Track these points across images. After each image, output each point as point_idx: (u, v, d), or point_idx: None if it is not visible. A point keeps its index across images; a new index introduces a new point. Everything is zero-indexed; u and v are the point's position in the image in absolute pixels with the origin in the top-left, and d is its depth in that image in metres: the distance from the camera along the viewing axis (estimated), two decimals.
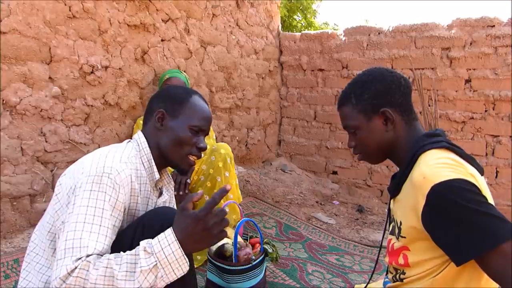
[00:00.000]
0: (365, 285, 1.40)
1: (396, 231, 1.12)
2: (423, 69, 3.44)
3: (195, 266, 1.84)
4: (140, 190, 1.17)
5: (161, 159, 1.24)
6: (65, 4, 2.20)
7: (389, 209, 1.25)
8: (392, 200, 1.20)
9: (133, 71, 2.61)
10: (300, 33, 4.17)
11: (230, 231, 1.44)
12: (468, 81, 3.33)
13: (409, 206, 1.03)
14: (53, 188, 2.21)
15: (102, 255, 0.97)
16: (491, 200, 0.97)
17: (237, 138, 3.67)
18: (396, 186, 1.14)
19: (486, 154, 3.30)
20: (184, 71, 2.91)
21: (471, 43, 3.28)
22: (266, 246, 1.85)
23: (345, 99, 1.20)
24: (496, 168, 3.27)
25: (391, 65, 3.60)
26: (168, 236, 0.95)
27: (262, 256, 1.79)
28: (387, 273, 1.25)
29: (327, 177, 4.01)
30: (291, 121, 4.25)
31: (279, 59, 4.20)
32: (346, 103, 1.19)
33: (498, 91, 3.20)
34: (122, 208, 1.07)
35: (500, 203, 3.16)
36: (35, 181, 2.16)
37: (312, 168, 4.11)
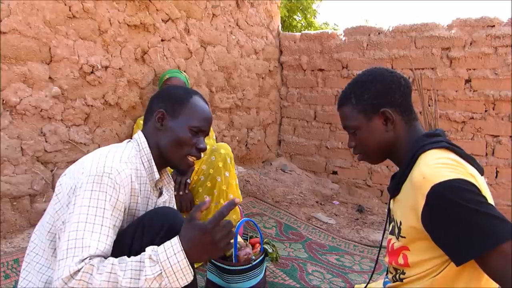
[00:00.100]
0: (365, 285, 1.40)
1: (396, 231, 1.12)
2: (423, 69, 3.44)
3: (195, 266, 1.84)
4: (140, 190, 1.17)
5: (161, 159, 1.24)
6: (65, 4, 2.20)
7: (389, 209, 1.25)
8: (392, 200, 1.20)
9: (133, 71, 2.61)
10: (300, 33, 4.16)
11: None
12: (468, 81, 3.33)
13: (409, 206, 1.03)
14: (53, 188, 2.21)
15: (105, 258, 0.97)
16: (491, 200, 0.97)
17: (237, 138, 3.67)
18: (396, 186, 1.14)
19: (486, 154, 3.30)
20: (184, 71, 2.91)
21: (471, 43, 3.28)
22: (266, 246, 1.85)
23: (345, 99, 1.20)
24: (496, 168, 3.27)
25: (391, 65, 3.60)
26: (174, 245, 0.95)
27: (262, 256, 1.79)
28: (387, 273, 1.25)
29: (327, 177, 4.01)
30: (291, 121, 4.25)
31: (279, 59, 4.20)
32: (346, 103, 1.19)
33: (498, 91, 3.20)
34: (122, 208, 1.07)
35: (500, 203, 3.16)
36: (35, 181, 2.16)
37: (312, 168, 4.11)
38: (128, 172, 1.10)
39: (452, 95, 3.39)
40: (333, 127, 3.96)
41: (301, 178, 3.89)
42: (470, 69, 3.31)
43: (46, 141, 2.19)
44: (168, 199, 1.34)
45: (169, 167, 1.33)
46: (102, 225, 0.99)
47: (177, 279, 0.94)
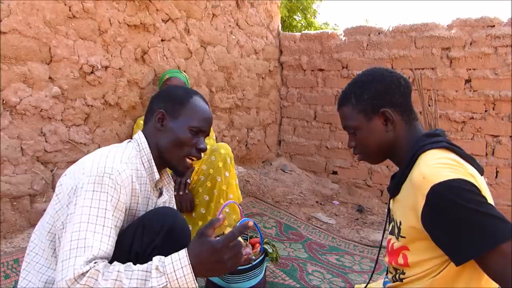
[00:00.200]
0: (365, 285, 1.40)
1: (396, 231, 1.12)
2: (423, 69, 3.44)
3: None
4: (140, 191, 1.17)
5: (161, 159, 1.24)
6: (65, 4, 2.20)
7: (388, 209, 1.25)
8: (391, 200, 1.20)
9: (133, 71, 2.61)
10: (300, 33, 4.16)
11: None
12: (468, 81, 3.33)
13: (408, 206, 1.03)
14: (53, 188, 2.21)
15: (108, 259, 0.97)
16: (491, 200, 0.97)
17: (237, 138, 3.67)
18: (395, 186, 1.14)
19: (486, 154, 3.30)
20: (184, 71, 2.91)
21: (471, 43, 3.28)
22: (266, 246, 1.84)
23: (345, 99, 1.20)
24: (496, 168, 3.27)
25: (391, 65, 3.60)
26: (182, 259, 0.95)
27: (262, 256, 1.78)
28: (387, 273, 1.25)
29: (327, 177, 4.01)
30: (291, 121, 4.25)
31: (279, 59, 4.20)
32: (346, 103, 1.19)
33: (498, 91, 3.20)
34: (123, 209, 1.07)
35: (500, 203, 3.16)
36: (35, 181, 2.16)
37: (312, 168, 4.11)
38: (128, 173, 1.10)
39: (452, 95, 3.39)
40: (333, 127, 3.96)
41: (301, 178, 3.89)
42: (470, 69, 3.31)
43: (46, 141, 2.19)
44: (168, 199, 1.34)
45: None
46: (104, 226, 0.99)
47: None
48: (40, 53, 2.13)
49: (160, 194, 1.32)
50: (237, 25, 3.55)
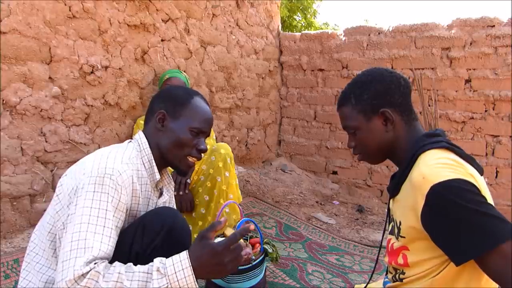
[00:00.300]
0: (365, 285, 1.40)
1: (396, 231, 1.12)
2: (423, 69, 3.44)
3: None
4: (141, 191, 1.17)
5: (162, 159, 1.24)
6: (65, 4, 2.21)
7: (388, 209, 1.25)
8: (391, 200, 1.20)
9: (133, 71, 2.61)
10: (300, 33, 4.16)
11: (230, 231, 1.44)
12: (468, 81, 3.33)
13: (408, 206, 1.03)
14: (53, 188, 2.21)
15: (108, 260, 0.97)
16: (490, 200, 0.97)
17: (237, 138, 3.67)
18: (395, 186, 1.14)
19: (486, 154, 3.30)
20: (184, 71, 2.91)
21: (471, 43, 3.28)
22: (266, 246, 1.84)
23: (345, 100, 1.20)
24: (496, 168, 3.27)
25: (391, 65, 3.60)
26: (183, 260, 0.96)
27: (262, 256, 1.78)
28: (387, 273, 1.25)
29: (327, 177, 4.01)
30: (291, 121, 4.25)
31: (279, 59, 4.20)
32: (346, 104, 1.19)
33: (498, 91, 3.20)
34: (124, 209, 1.07)
35: (500, 203, 3.16)
36: (35, 181, 2.16)
37: (312, 168, 4.11)
38: (129, 173, 1.10)
39: (452, 95, 3.39)
40: (333, 127, 3.96)
41: (301, 178, 3.89)
42: (470, 69, 3.31)
43: (46, 141, 2.19)
44: (168, 199, 1.34)
45: (169, 168, 1.33)
46: (104, 226, 0.99)
47: None
48: (40, 53, 2.13)
49: (161, 194, 1.32)
50: (237, 25, 3.55)
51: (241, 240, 0.96)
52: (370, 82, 1.16)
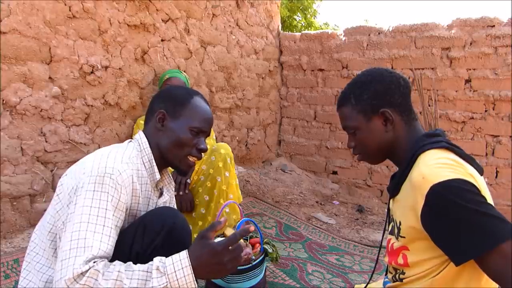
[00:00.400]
0: (365, 285, 1.40)
1: (396, 231, 1.12)
2: (423, 69, 3.44)
3: None
4: (141, 191, 1.17)
5: (162, 159, 1.24)
6: (65, 4, 2.21)
7: (388, 209, 1.25)
8: (391, 200, 1.20)
9: (133, 71, 2.61)
10: (300, 33, 4.16)
11: (230, 231, 1.44)
12: (468, 81, 3.33)
13: (408, 206, 1.03)
14: (53, 188, 2.21)
15: (108, 259, 0.97)
16: (490, 200, 0.97)
17: (237, 138, 3.67)
18: (395, 186, 1.14)
19: (486, 154, 3.30)
20: (184, 71, 2.91)
21: (471, 43, 3.28)
22: (266, 246, 1.84)
23: (345, 100, 1.20)
24: (496, 168, 3.27)
25: (391, 65, 3.60)
26: (182, 259, 0.96)
27: (262, 256, 1.78)
28: (386, 273, 1.25)
29: (327, 177, 4.01)
30: (291, 121, 4.25)
31: (279, 59, 4.20)
32: (346, 104, 1.19)
33: (498, 91, 3.20)
34: (124, 209, 1.07)
35: (500, 203, 3.16)
36: (35, 181, 2.16)
37: (312, 168, 4.11)
38: (129, 173, 1.10)
39: (452, 95, 3.39)
40: (333, 127, 3.96)
41: (301, 178, 3.89)
42: (470, 69, 3.31)
43: (46, 141, 2.19)
44: (168, 199, 1.34)
45: (169, 167, 1.33)
46: (104, 226, 0.99)
47: None
48: (40, 53, 2.13)
49: (161, 194, 1.32)
50: (237, 25, 3.55)
51: (241, 240, 0.96)
52: (370, 82, 1.16)
